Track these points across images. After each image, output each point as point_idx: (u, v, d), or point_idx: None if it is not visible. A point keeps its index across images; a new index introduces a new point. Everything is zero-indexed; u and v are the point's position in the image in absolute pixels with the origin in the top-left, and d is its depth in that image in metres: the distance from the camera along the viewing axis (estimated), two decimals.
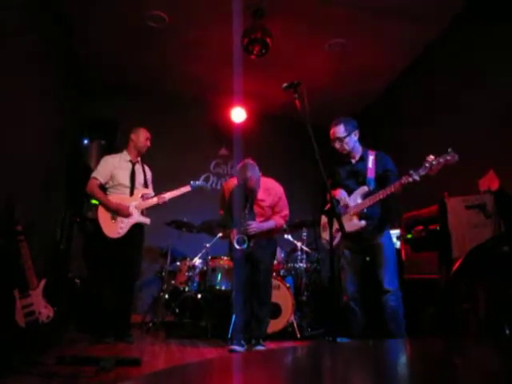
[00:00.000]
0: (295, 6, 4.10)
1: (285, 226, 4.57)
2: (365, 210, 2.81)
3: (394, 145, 3.11)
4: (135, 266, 3.60)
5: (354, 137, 2.98)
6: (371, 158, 2.93)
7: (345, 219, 2.86)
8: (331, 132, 3.00)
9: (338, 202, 2.94)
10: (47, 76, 4.14)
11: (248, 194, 3.28)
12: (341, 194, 2.98)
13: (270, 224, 3.38)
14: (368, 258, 2.88)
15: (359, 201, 2.85)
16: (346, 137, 2.94)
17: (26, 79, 3.52)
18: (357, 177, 2.94)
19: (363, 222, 2.78)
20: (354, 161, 3.02)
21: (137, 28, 4.55)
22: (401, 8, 4.02)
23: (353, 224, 2.82)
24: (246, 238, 3.20)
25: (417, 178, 2.53)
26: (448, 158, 2.46)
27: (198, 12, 4.27)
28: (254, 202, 3.34)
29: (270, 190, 3.42)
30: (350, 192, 2.93)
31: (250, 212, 3.32)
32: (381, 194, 2.73)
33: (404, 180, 2.58)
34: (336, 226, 2.96)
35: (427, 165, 2.50)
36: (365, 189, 2.84)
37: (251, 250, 3.24)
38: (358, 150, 3.01)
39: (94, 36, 4.75)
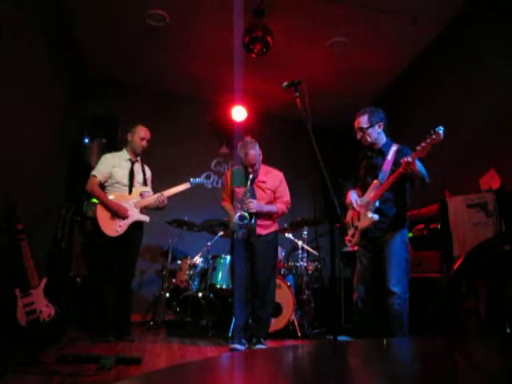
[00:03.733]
0: (296, 4, 4.09)
1: (285, 225, 4.58)
2: (377, 204, 2.72)
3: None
4: (133, 264, 3.60)
5: (378, 128, 2.86)
6: (393, 150, 2.79)
7: (361, 217, 2.83)
8: (355, 122, 2.90)
9: (337, 204, 2.90)
10: (47, 75, 4.14)
11: (248, 168, 3.31)
12: (351, 196, 2.90)
13: (272, 207, 3.38)
14: (378, 257, 2.81)
15: (372, 195, 2.77)
16: (369, 128, 2.83)
17: (25, 79, 3.52)
18: (374, 171, 2.83)
19: (375, 216, 2.69)
20: (373, 154, 2.91)
21: (137, 27, 4.54)
22: (401, 7, 4.01)
23: (366, 219, 2.75)
24: (247, 214, 3.18)
25: (409, 158, 2.50)
26: (434, 136, 2.42)
27: (198, 10, 4.27)
28: (255, 182, 3.36)
29: (270, 172, 3.49)
30: (367, 188, 2.85)
31: (251, 191, 3.33)
32: (386, 185, 2.66)
33: (406, 159, 2.51)
34: (351, 231, 2.95)
35: (418, 148, 2.48)
36: (376, 183, 2.75)
37: (253, 228, 3.24)
38: (381, 143, 2.88)
39: (95, 35, 4.75)
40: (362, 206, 2.82)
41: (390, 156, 2.78)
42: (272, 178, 3.45)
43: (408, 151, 2.74)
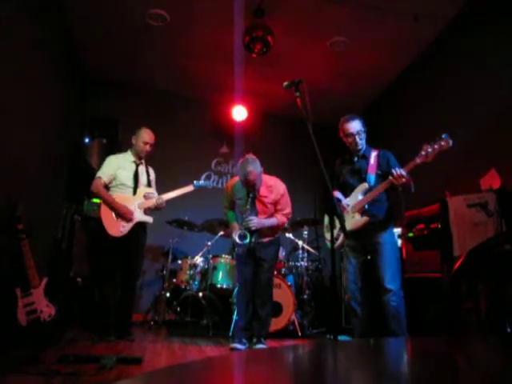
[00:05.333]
0: (296, 4, 4.09)
1: (286, 225, 4.58)
2: (366, 207, 2.78)
3: (395, 144, 3.11)
4: (137, 265, 3.60)
5: (365, 134, 2.97)
6: (373, 155, 2.90)
7: (347, 218, 2.86)
8: (348, 126, 2.92)
9: (339, 201, 2.93)
10: (48, 75, 4.14)
11: (249, 188, 3.27)
12: (337, 195, 2.97)
13: (272, 221, 3.36)
14: (369, 257, 2.85)
15: (360, 198, 2.83)
16: (364, 132, 2.93)
17: (26, 78, 3.52)
18: (359, 174, 2.92)
19: (366, 218, 2.75)
20: (356, 159, 2.99)
21: (137, 26, 4.54)
22: (402, 7, 4.01)
23: (355, 221, 2.79)
24: (247, 233, 3.18)
25: (402, 171, 2.54)
26: (442, 143, 2.44)
27: (198, 10, 4.27)
28: (256, 197, 3.33)
29: (272, 187, 3.40)
30: (353, 191, 2.92)
31: (252, 207, 3.30)
32: (378, 190, 2.71)
33: (399, 172, 2.55)
34: (335, 232, 2.97)
35: (423, 153, 2.48)
36: (365, 185, 2.82)
37: (253, 246, 3.22)
38: (364, 148, 2.98)
39: (95, 35, 4.75)
40: (348, 206, 2.88)
41: (373, 160, 2.88)
42: (274, 193, 3.38)
43: (390, 154, 2.88)
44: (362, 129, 2.92)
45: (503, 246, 2.06)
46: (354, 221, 2.81)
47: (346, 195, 2.96)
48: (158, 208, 3.62)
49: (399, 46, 4.63)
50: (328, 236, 3.02)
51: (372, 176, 2.82)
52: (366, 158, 2.94)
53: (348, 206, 2.87)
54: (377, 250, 2.78)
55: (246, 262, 3.33)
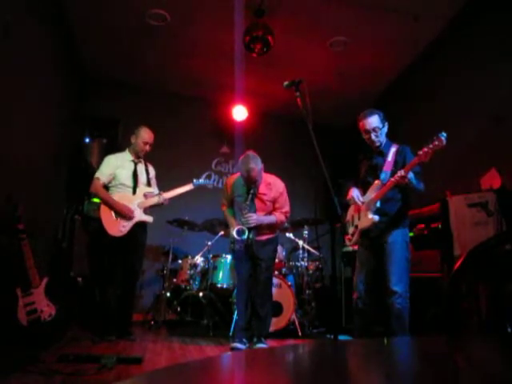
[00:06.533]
0: (297, 4, 4.09)
1: (286, 224, 4.58)
2: (378, 205, 2.74)
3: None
4: (137, 265, 3.60)
5: (386, 129, 2.90)
6: (392, 151, 2.82)
7: (361, 216, 2.84)
8: (364, 122, 2.85)
9: (340, 201, 2.91)
10: (48, 75, 4.14)
11: (250, 184, 3.28)
12: (353, 192, 2.91)
13: (271, 218, 3.37)
14: (378, 256, 2.81)
15: (373, 196, 2.79)
16: (382, 128, 2.85)
17: (26, 79, 3.52)
18: (375, 172, 2.85)
19: (376, 217, 2.71)
20: (374, 155, 2.92)
21: (138, 26, 4.54)
22: (402, 7, 4.01)
23: (366, 219, 2.76)
24: (245, 229, 3.18)
25: (402, 172, 2.55)
26: (436, 143, 2.43)
27: (199, 10, 4.27)
28: (256, 194, 3.34)
29: (271, 184, 3.42)
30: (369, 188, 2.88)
31: (251, 204, 3.31)
32: (386, 188, 2.68)
33: (400, 173, 2.56)
34: (351, 230, 2.96)
35: (420, 152, 2.48)
36: (378, 183, 2.77)
37: (250, 242, 3.22)
38: (383, 144, 2.90)
39: (95, 35, 4.75)
40: (363, 204, 2.84)
41: (390, 157, 2.80)
42: (273, 191, 3.41)
43: (408, 151, 2.79)
44: (380, 125, 2.83)
45: (503, 245, 2.05)
46: (365, 219, 2.78)
47: (365, 193, 2.90)
48: (160, 204, 3.63)
49: (399, 45, 4.63)
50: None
51: (386, 173, 2.76)
52: (383, 154, 2.86)
53: (362, 203, 2.84)
54: (385, 250, 2.73)
55: (244, 259, 3.32)
